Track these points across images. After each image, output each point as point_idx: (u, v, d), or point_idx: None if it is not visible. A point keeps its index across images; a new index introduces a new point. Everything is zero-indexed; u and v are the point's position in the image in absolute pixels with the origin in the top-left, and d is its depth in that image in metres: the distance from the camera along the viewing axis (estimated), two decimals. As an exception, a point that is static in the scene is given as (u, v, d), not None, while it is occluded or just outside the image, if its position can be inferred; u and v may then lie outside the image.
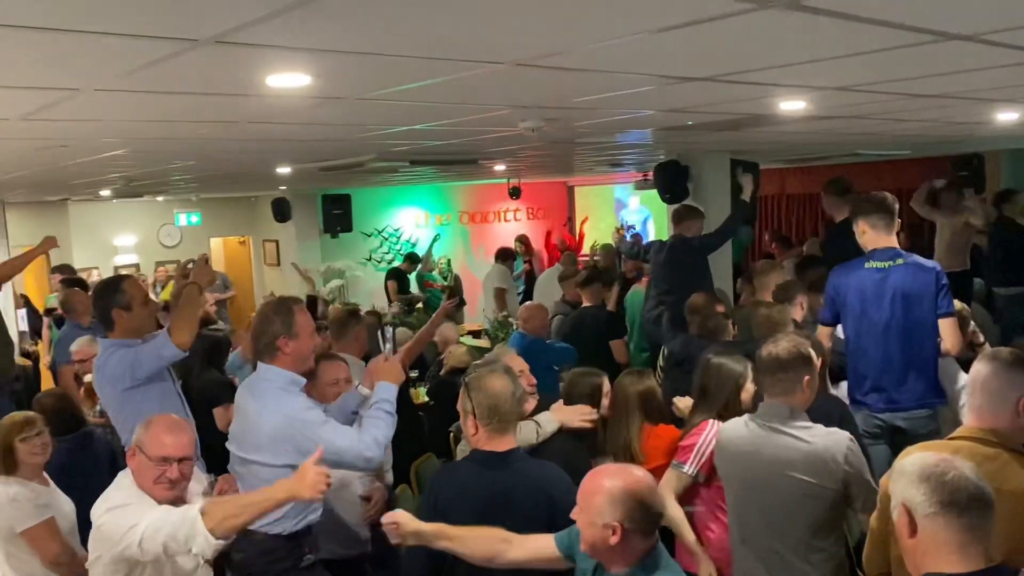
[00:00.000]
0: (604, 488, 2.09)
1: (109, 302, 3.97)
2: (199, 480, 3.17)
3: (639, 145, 6.49)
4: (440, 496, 2.82)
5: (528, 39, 2.20)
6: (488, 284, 9.63)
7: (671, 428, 3.64)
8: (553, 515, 2.62)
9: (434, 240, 12.24)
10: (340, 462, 3.08)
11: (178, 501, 2.75)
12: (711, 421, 3.28)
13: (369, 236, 12.75)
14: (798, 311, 4.74)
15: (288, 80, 2.48)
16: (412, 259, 11.04)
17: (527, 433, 3.14)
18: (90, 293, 5.64)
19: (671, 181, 6.95)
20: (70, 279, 7.82)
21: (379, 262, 12.81)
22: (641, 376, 3.98)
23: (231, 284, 11.65)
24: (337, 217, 11.91)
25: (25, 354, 8.79)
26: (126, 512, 2.61)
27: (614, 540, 2.06)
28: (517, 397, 2.78)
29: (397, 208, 12.97)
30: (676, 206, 6.54)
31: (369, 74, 2.53)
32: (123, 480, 2.77)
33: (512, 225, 13.65)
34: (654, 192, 7.57)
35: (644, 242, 10.87)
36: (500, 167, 8.05)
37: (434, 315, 5.53)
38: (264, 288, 12.98)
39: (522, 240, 12.17)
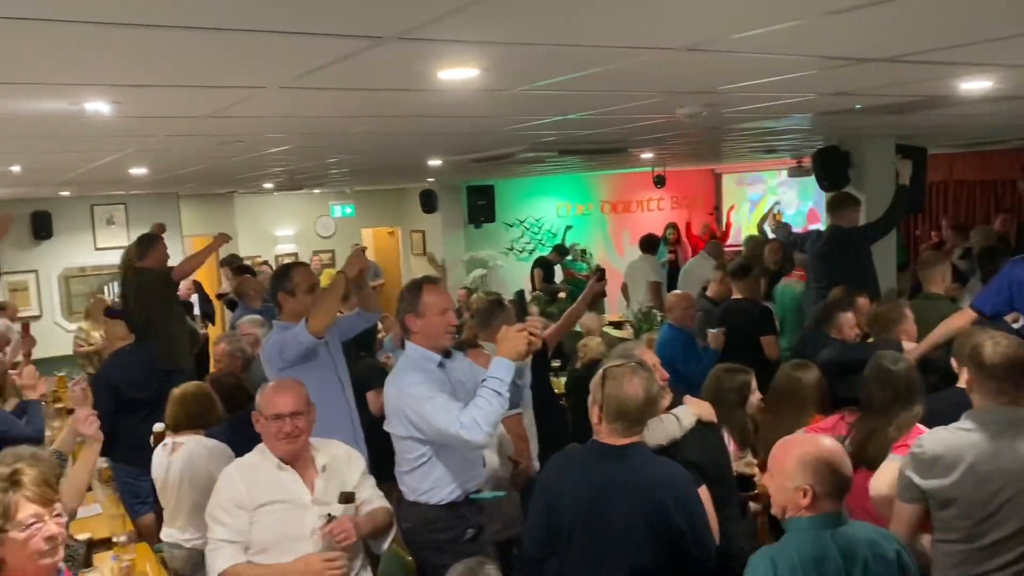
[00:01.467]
0: (796, 454, 2.25)
1: (278, 286, 4.24)
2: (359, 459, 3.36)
3: (797, 130, 6.23)
4: (550, 483, 2.87)
5: (702, 22, 2.14)
6: (637, 275, 9.37)
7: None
8: (664, 516, 2.61)
9: (567, 229, 12.19)
10: (444, 441, 3.15)
11: (298, 457, 2.98)
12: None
13: (511, 226, 12.91)
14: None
15: (458, 74, 2.52)
16: (560, 251, 11.08)
17: (670, 427, 3.07)
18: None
19: (831, 168, 6.62)
20: (241, 266, 8.36)
21: (520, 252, 12.95)
22: (810, 366, 3.80)
23: (381, 272, 12.13)
24: (481, 208, 12.14)
25: (197, 336, 9.49)
26: (218, 494, 2.96)
27: (804, 502, 2.20)
28: (651, 400, 2.74)
29: (539, 198, 13.05)
30: (832, 194, 6.23)
31: (537, 65, 2.54)
32: (259, 446, 3.06)
33: (656, 215, 13.45)
34: (807, 181, 7.25)
35: (792, 231, 10.46)
36: (647, 155, 7.93)
37: (581, 295, 5.49)
38: (411, 276, 13.42)
39: (674, 227, 11.97)
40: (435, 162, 7.09)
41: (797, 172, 10.24)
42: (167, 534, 4.05)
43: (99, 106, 2.69)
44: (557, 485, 2.86)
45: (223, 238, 6.88)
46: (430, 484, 3.22)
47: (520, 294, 6.45)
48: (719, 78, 3.12)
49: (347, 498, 3.03)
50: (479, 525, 3.35)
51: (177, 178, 7.59)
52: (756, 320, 6.08)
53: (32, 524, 2.15)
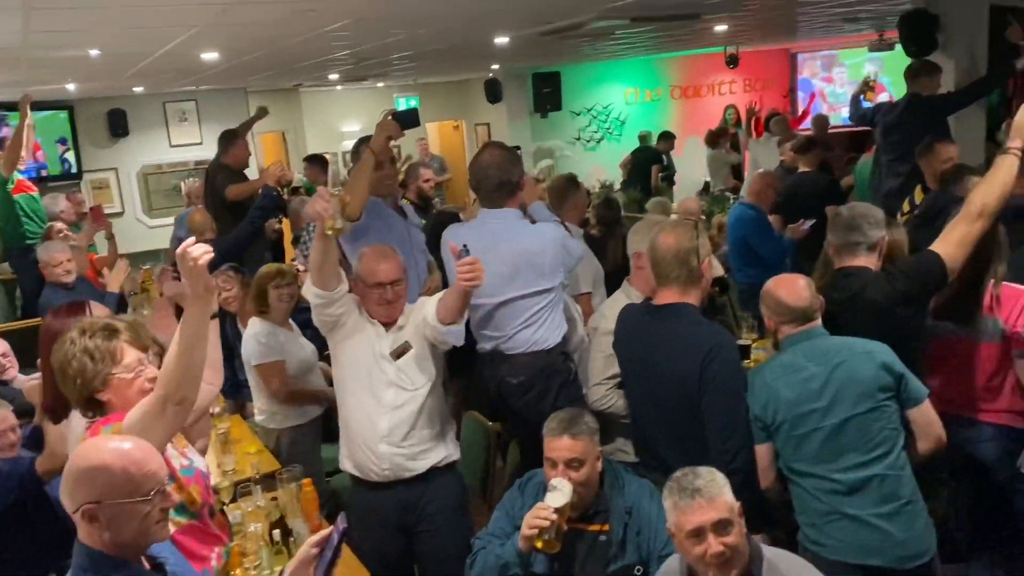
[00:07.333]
0: None
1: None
2: None
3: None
4: (617, 339, 3.06)
5: None
6: (716, 164, 9.19)
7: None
8: (700, 373, 2.63)
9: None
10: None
11: (393, 320, 3.08)
12: None
13: (578, 115, 12.67)
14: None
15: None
16: (668, 136, 10.65)
17: None
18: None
19: (917, 32, 6.24)
20: (313, 156, 8.48)
21: (588, 141, 12.75)
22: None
23: (447, 167, 12.10)
24: (547, 96, 11.92)
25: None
26: None
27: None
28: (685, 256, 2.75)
29: (606, 85, 12.74)
30: (912, 62, 5.93)
31: None
32: None
33: (728, 99, 13.03)
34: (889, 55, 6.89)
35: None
36: (720, 28, 7.62)
37: None
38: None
39: (734, 109, 11.56)
40: (501, 39, 6.94)
41: (878, 46, 9.74)
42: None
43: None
44: (619, 337, 3.04)
45: (261, 114, 6.83)
46: (547, 330, 3.38)
47: None
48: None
49: (399, 353, 3.06)
50: (575, 370, 3.50)
51: (246, 67, 7.61)
52: (823, 192, 6.00)
53: (136, 367, 2.31)
